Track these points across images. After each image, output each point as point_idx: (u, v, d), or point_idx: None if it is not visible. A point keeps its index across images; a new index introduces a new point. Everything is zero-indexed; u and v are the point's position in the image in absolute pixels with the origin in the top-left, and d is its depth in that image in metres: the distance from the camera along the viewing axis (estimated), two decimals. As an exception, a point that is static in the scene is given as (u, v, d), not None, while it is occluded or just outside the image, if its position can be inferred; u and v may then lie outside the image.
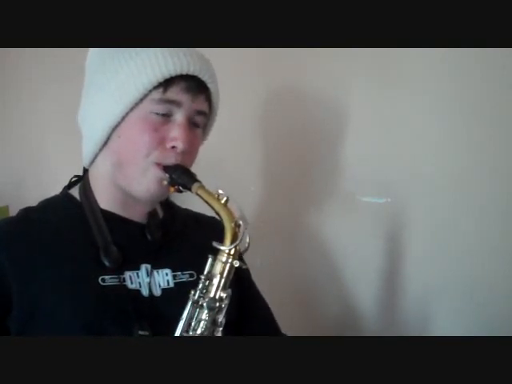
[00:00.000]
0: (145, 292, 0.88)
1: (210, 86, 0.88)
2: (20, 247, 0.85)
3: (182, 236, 0.97)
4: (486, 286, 1.11)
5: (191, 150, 0.88)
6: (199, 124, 0.90)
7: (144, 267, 0.89)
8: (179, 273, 0.92)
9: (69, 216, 0.91)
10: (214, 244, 0.80)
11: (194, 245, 0.96)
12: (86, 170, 0.96)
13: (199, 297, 0.80)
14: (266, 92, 1.39)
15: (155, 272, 0.90)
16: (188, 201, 0.97)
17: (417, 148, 1.19)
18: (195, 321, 0.79)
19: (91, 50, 0.92)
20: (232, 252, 0.80)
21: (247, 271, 1.04)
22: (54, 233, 0.88)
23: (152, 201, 0.92)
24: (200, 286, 0.80)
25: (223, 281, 0.80)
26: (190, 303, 0.80)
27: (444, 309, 1.16)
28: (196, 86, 0.85)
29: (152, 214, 0.94)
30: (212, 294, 0.79)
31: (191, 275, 0.93)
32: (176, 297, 0.87)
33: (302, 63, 1.32)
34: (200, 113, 0.88)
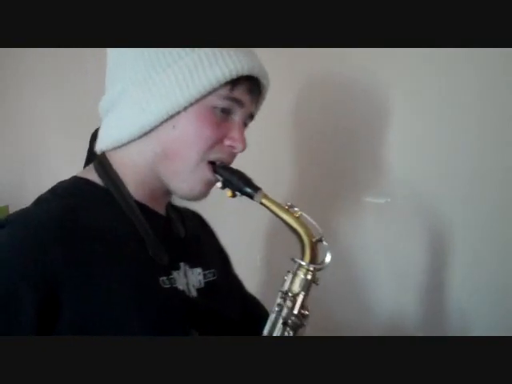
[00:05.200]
0: (188, 293, 0.83)
1: (264, 90, 0.86)
2: (74, 242, 0.73)
3: (197, 232, 0.95)
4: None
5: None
6: (246, 126, 0.87)
7: (182, 266, 0.84)
8: (207, 271, 0.89)
9: (102, 205, 0.80)
10: (296, 260, 0.77)
11: (205, 241, 0.95)
12: (91, 154, 0.88)
13: (282, 313, 0.76)
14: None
15: (190, 271, 0.85)
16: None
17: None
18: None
19: None
20: (312, 268, 0.77)
21: (228, 255, 1.03)
22: (100, 225, 0.77)
23: (190, 200, 0.86)
24: (281, 301, 0.76)
25: (303, 297, 0.77)
26: (272, 319, 0.76)
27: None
28: (257, 88, 0.83)
29: (168, 206, 0.90)
30: (294, 311, 0.76)
31: (214, 274, 0.90)
32: (209, 297, 0.86)
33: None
34: (251, 116, 0.86)
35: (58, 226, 0.73)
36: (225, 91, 0.79)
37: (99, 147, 0.86)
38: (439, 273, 1.19)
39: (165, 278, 0.79)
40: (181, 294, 0.81)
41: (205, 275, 0.88)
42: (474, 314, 1.15)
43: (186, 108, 0.78)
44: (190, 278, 0.85)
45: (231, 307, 0.88)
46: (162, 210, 0.88)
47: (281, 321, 0.75)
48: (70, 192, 0.82)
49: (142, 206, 0.83)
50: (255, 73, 0.81)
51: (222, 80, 0.77)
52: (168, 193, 0.86)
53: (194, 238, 0.92)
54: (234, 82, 0.79)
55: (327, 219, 1.34)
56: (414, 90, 1.21)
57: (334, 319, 1.14)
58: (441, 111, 1.18)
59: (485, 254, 1.14)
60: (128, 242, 0.79)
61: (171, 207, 0.93)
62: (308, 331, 1.00)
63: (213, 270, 0.90)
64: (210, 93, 0.78)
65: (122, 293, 0.74)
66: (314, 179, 1.39)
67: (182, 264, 0.84)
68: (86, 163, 1.00)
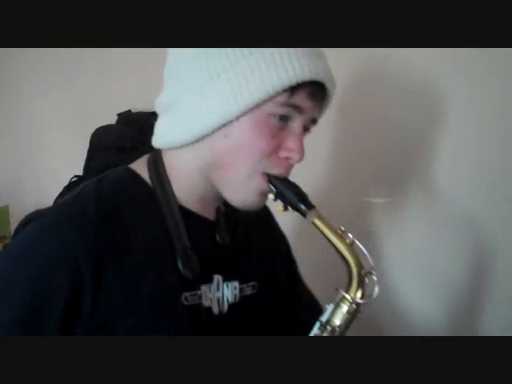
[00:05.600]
0: (215, 310, 0.79)
1: (330, 94, 0.78)
2: (102, 251, 0.71)
3: (246, 238, 0.89)
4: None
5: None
6: (309, 131, 0.80)
7: (216, 279, 0.80)
8: (245, 285, 0.84)
9: (142, 206, 0.78)
10: (340, 291, 0.72)
11: (256, 250, 0.90)
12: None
13: None
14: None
15: (225, 285, 0.81)
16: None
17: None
18: None
19: None
20: (357, 302, 0.72)
21: (295, 264, 0.99)
22: (129, 234, 0.74)
23: (244, 210, 0.80)
24: (318, 332, 0.73)
25: (341, 332, 0.73)
26: None
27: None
28: (320, 93, 0.75)
29: (218, 210, 0.85)
30: None
31: (253, 287, 0.85)
32: (242, 313, 0.82)
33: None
34: (314, 121, 0.79)
35: (88, 237, 0.71)
36: (283, 98, 0.72)
37: (154, 143, 0.83)
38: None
39: (188, 294, 0.76)
40: (203, 312, 0.77)
41: (241, 289, 0.83)
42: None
43: (238, 117, 0.73)
44: (224, 292, 0.81)
45: (265, 323, 0.84)
46: (210, 215, 0.84)
47: None
48: (115, 188, 0.79)
49: (187, 212, 0.80)
50: (318, 77, 0.73)
51: (279, 88, 0.71)
52: (220, 197, 0.80)
53: (240, 247, 0.87)
54: (293, 88, 0.72)
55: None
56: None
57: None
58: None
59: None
60: (159, 252, 0.76)
61: (230, 209, 0.85)
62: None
63: (253, 283, 0.86)
64: (265, 101, 0.72)
65: (139, 305, 0.72)
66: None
67: (216, 276, 0.80)
68: (86, 163, 1.01)
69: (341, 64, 1.29)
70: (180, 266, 0.75)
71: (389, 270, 1.25)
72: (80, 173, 0.98)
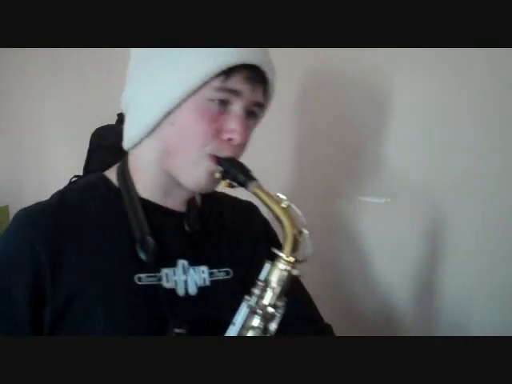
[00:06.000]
0: (181, 291, 0.84)
1: (269, 77, 0.83)
2: (58, 236, 0.80)
3: (220, 228, 0.94)
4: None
5: (244, 143, 0.84)
6: (256, 114, 0.86)
7: (181, 264, 0.86)
8: (215, 270, 0.89)
9: (106, 203, 0.86)
10: (274, 250, 0.76)
11: (230, 238, 0.94)
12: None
13: (255, 303, 0.75)
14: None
15: (191, 269, 0.86)
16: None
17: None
18: (247, 327, 0.75)
19: None
20: (292, 260, 0.76)
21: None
22: (90, 223, 0.83)
23: (200, 191, 0.88)
24: (257, 291, 0.76)
25: (280, 289, 0.76)
26: (244, 308, 0.76)
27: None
28: (256, 76, 0.81)
29: (191, 203, 0.91)
30: (267, 302, 0.75)
31: (227, 273, 0.90)
32: (213, 296, 0.86)
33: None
34: (257, 104, 0.84)
35: (44, 224, 0.81)
36: (218, 82, 0.78)
37: (123, 146, 0.89)
38: (436, 272, 1.19)
39: (144, 275, 0.82)
40: (162, 291, 0.82)
41: (211, 274, 0.88)
42: (469, 313, 1.15)
43: (179, 104, 0.80)
44: (191, 276, 0.86)
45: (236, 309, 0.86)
46: (176, 206, 0.89)
47: (250, 309, 0.76)
48: (80, 190, 0.89)
49: (149, 204, 0.86)
50: (252, 60, 0.79)
51: (211, 73, 0.78)
52: (184, 188, 0.86)
53: (213, 235, 0.92)
54: (226, 73, 0.78)
55: (325, 217, 1.35)
56: (414, 89, 1.21)
57: (333, 317, 1.14)
58: (440, 110, 1.18)
59: (482, 253, 1.14)
60: (117, 239, 0.84)
61: (210, 200, 0.95)
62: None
63: (226, 269, 0.90)
64: (201, 87, 0.79)
65: (92, 285, 0.80)
66: (313, 178, 1.39)
67: (181, 261, 0.86)
68: (86, 163, 1.01)
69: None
70: (138, 251, 0.82)
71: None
72: (80, 173, 0.98)
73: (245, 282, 0.87)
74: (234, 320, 0.76)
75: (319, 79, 1.36)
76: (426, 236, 1.20)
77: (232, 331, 0.75)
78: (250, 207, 1.01)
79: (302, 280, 0.93)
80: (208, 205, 0.94)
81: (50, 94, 2.08)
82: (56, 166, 2.01)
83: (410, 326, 1.23)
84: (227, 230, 0.95)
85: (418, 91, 1.21)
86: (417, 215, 1.21)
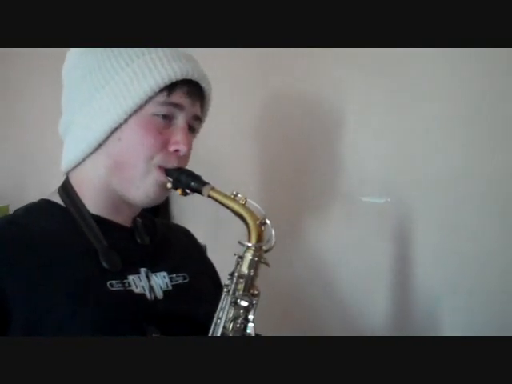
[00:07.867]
0: (149, 296, 0.87)
1: (206, 92, 0.90)
2: (17, 252, 0.81)
3: (167, 241, 0.99)
4: (491, 286, 1.11)
5: (189, 154, 0.89)
6: (195, 128, 0.91)
7: (143, 271, 0.89)
8: (174, 275, 0.93)
9: (56, 221, 0.88)
10: (241, 242, 0.80)
11: (178, 249, 0.99)
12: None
13: (233, 295, 0.79)
14: (265, 93, 1.40)
15: (153, 275, 0.90)
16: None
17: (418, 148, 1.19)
18: (229, 320, 0.79)
19: (72, 50, 0.90)
20: (259, 249, 0.80)
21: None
22: (48, 237, 0.84)
23: (148, 205, 0.91)
24: (233, 285, 0.80)
25: (252, 277, 0.80)
26: (224, 303, 0.80)
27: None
28: (196, 91, 0.87)
29: (134, 219, 0.94)
30: (244, 292, 0.79)
31: (184, 277, 0.94)
32: (177, 298, 0.90)
33: (301, 64, 1.33)
34: (196, 118, 0.90)
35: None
36: (162, 98, 0.84)
37: (62, 169, 0.92)
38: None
39: (114, 281, 0.83)
40: (134, 296, 0.85)
41: (172, 278, 0.92)
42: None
43: (126, 120, 0.84)
44: (155, 281, 0.89)
45: (202, 308, 0.88)
46: (126, 222, 0.92)
47: (230, 301, 0.79)
48: (26, 211, 0.89)
49: (100, 220, 0.88)
50: (191, 76, 0.85)
51: (156, 88, 0.83)
52: (131, 205, 0.90)
53: (163, 246, 0.97)
54: (170, 88, 0.83)
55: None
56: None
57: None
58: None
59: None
60: (79, 253, 0.84)
61: (148, 219, 0.99)
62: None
63: (183, 274, 0.94)
64: (147, 102, 0.83)
65: (64, 295, 0.79)
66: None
67: (142, 269, 0.89)
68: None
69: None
70: (102, 261, 0.84)
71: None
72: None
73: (199, 285, 0.96)
74: (217, 314, 0.80)
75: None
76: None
77: (219, 326, 0.79)
78: (187, 230, 1.09)
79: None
80: (150, 221, 0.99)
81: (51, 94, 2.08)
82: (56, 166, 2.02)
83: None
84: (174, 243, 1.00)
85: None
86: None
